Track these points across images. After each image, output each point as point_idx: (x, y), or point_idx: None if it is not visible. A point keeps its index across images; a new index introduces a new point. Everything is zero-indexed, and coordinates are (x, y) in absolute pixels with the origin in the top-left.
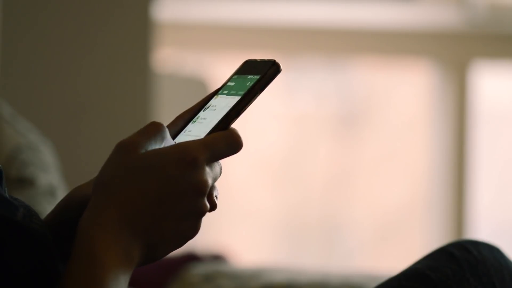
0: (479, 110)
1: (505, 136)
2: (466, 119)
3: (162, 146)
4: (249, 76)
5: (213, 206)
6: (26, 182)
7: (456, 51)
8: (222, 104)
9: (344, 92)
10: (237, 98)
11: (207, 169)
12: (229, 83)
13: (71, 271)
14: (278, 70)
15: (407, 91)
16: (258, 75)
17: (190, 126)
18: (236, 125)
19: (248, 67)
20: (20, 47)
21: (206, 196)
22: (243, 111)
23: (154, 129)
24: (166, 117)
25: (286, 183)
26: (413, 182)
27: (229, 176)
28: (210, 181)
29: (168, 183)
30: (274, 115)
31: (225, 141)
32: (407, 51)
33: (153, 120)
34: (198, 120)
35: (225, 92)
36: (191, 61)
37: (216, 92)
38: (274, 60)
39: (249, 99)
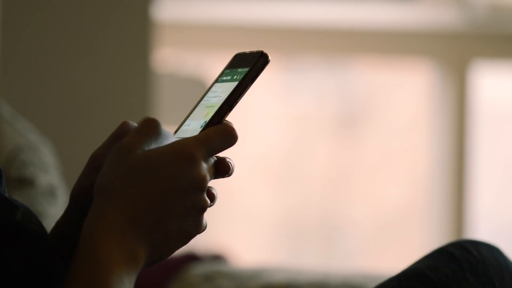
0: (479, 110)
1: (505, 136)
2: (466, 119)
3: (159, 142)
4: (240, 69)
5: (213, 200)
6: (26, 182)
7: (456, 51)
8: (215, 99)
9: (344, 92)
10: (228, 92)
11: (204, 164)
12: (221, 78)
13: (74, 273)
14: (267, 61)
15: (407, 91)
16: (247, 68)
17: (187, 122)
18: (236, 125)
19: (238, 60)
20: (20, 47)
21: (205, 191)
22: (235, 104)
23: (149, 127)
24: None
25: (286, 183)
26: (413, 183)
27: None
28: (208, 176)
29: (169, 181)
30: (274, 115)
31: (220, 135)
32: (407, 51)
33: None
34: (193, 115)
35: (218, 86)
36: (191, 61)
37: (210, 87)
38: (262, 51)
39: (240, 92)
